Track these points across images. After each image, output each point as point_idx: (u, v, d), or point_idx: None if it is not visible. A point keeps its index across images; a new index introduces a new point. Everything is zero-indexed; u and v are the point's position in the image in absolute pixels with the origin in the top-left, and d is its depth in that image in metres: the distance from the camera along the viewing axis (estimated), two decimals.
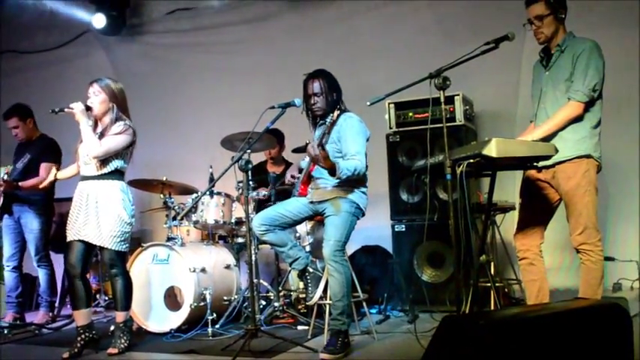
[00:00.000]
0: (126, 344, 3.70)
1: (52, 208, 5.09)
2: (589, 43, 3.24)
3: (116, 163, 3.69)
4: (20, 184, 4.74)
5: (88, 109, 3.64)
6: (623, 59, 4.51)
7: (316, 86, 3.59)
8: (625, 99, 4.58)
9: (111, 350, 3.64)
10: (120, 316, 3.75)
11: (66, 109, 3.62)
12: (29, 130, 5.01)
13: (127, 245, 3.77)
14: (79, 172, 3.79)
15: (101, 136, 3.63)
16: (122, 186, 3.73)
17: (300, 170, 3.84)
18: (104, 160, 3.64)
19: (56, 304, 5.29)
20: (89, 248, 3.70)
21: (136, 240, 5.90)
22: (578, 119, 3.22)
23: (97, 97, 3.67)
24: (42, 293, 5.05)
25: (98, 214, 3.61)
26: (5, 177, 4.67)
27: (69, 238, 3.69)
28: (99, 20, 6.25)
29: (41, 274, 5.03)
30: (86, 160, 3.68)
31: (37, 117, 5.05)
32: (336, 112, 3.58)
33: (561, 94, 3.28)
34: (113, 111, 3.67)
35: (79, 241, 3.65)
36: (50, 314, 5.06)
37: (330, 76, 3.65)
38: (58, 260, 4.71)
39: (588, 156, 3.20)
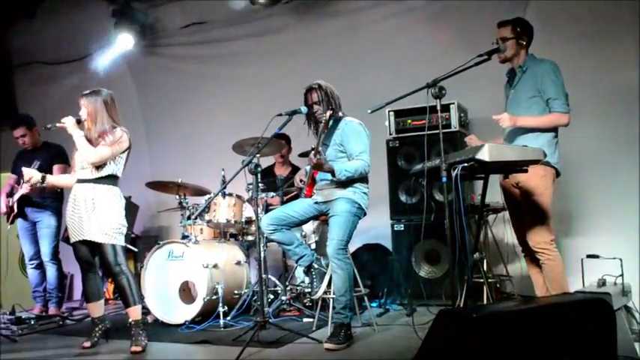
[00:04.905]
0: (146, 340, 3.75)
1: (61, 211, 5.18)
2: (548, 63, 3.45)
3: (111, 168, 3.74)
4: (47, 176, 4.72)
5: (79, 122, 3.73)
6: (624, 57, 4.68)
7: (315, 96, 3.74)
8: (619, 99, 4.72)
9: (135, 348, 3.65)
10: (134, 312, 3.74)
11: (58, 125, 3.72)
12: (35, 137, 5.15)
13: (123, 241, 3.78)
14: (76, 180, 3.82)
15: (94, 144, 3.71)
16: (118, 192, 3.79)
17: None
18: (100, 165, 3.71)
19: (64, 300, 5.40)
20: (94, 244, 3.73)
21: (153, 237, 6.11)
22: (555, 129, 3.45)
23: (87, 110, 3.72)
24: (52, 290, 5.14)
25: (96, 213, 3.66)
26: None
27: (73, 239, 3.76)
28: (127, 40, 6.46)
29: (51, 271, 5.11)
30: (83, 165, 3.74)
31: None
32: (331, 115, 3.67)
33: (524, 111, 3.46)
34: (103, 122, 3.70)
35: (83, 240, 3.72)
36: (59, 310, 5.17)
37: (327, 87, 3.76)
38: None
39: (546, 163, 3.36)
